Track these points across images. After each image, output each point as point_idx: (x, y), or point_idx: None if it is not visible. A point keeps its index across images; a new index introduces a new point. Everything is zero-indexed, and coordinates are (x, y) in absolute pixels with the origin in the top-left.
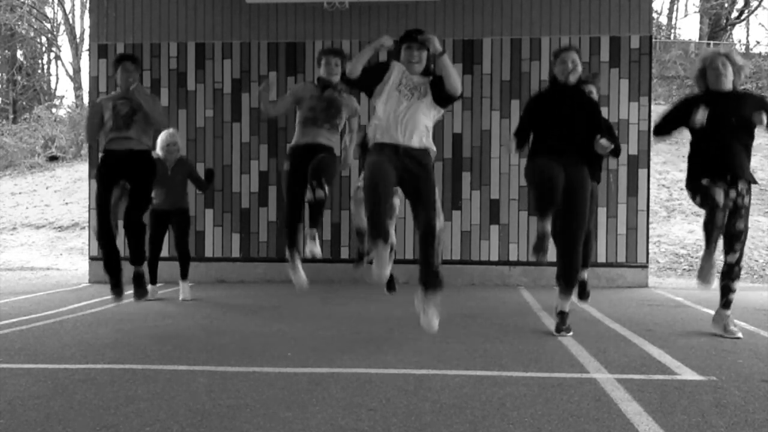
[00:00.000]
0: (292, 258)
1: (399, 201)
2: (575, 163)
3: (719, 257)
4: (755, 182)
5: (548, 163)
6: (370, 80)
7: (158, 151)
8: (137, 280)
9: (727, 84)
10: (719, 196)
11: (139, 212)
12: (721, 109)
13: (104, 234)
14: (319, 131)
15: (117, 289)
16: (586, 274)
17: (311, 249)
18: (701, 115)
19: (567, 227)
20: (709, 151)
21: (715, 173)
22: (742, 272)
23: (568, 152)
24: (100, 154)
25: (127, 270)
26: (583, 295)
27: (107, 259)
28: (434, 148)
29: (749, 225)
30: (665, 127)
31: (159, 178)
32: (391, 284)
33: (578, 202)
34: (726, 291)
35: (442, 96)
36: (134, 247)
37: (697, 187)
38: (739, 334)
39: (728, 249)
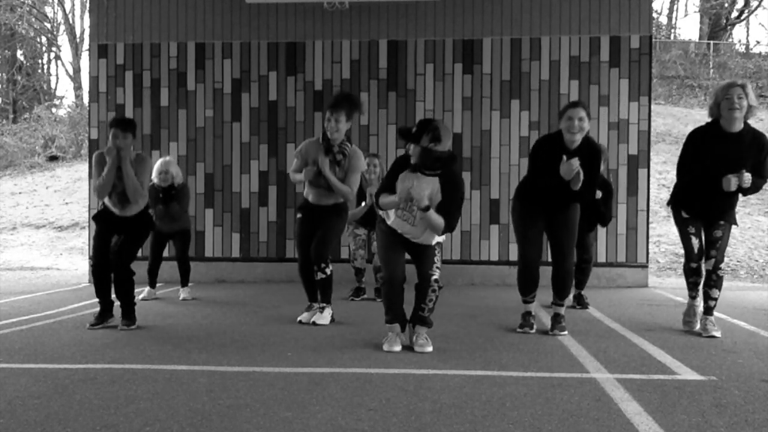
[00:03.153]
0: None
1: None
2: (563, 205)
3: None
4: (735, 224)
5: (530, 218)
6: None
7: (153, 178)
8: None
9: (737, 124)
10: (695, 242)
11: (126, 264)
12: (724, 151)
13: (99, 273)
14: (324, 192)
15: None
16: (582, 292)
17: (315, 319)
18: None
19: (558, 260)
20: (698, 191)
21: (696, 213)
22: (743, 272)
23: (556, 198)
24: (100, 205)
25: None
26: (583, 305)
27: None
28: (440, 240)
29: (750, 225)
30: (686, 173)
31: (154, 204)
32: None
33: (563, 242)
34: (706, 297)
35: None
36: (125, 304)
37: (678, 212)
38: (715, 333)
39: (705, 256)
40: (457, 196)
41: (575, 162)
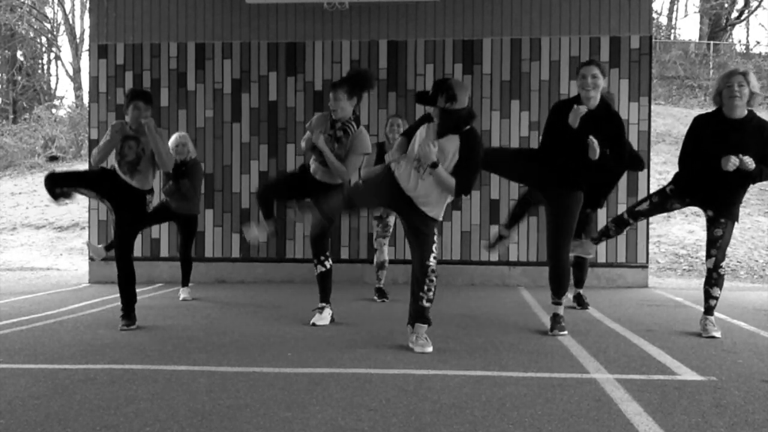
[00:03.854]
0: (266, 223)
1: (393, 218)
2: (566, 188)
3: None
4: (737, 221)
5: (520, 162)
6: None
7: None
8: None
9: (739, 111)
10: (647, 206)
11: (127, 249)
12: (725, 137)
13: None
14: (323, 168)
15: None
16: (582, 292)
17: (315, 320)
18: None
19: (554, 257)
20: (703, 181)
21: (698, 202)
22: (743, 272)
23: (564, 176)
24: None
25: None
26: (583, 305)
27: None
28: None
29: (750, 225)
30: (690, 163)
31: (165, 180)
32: (382, 293)
33: (560, 233)
34: (706, 296)
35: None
36: (125, 303)
37: (670, 184)
38: (715, 333)
39: (706, 254)
40: (474, 158)
41: (582, 108)
